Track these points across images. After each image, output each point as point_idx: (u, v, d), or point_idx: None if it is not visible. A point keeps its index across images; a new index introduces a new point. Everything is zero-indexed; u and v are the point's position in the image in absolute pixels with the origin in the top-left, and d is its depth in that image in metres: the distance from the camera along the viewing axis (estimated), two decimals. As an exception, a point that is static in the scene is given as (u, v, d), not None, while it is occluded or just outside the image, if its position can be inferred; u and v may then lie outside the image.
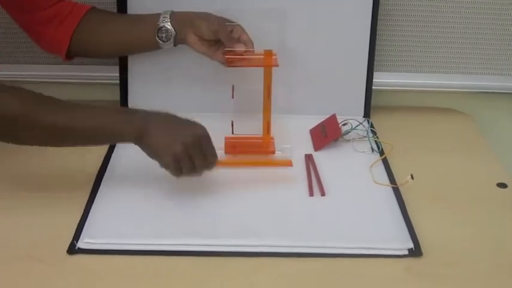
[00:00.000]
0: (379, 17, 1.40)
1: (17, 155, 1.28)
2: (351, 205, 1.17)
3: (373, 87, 1.45)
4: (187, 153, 1.09)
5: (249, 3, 1.35)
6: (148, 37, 1.30)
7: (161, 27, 1.28)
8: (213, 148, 1.14)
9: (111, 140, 1.21)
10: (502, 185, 1.25)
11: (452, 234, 1.11)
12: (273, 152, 1.29)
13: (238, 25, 1.28)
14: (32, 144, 1.10)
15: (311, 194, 1.19)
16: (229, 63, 1.23)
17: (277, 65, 1.23)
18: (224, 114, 1.30)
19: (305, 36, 1.40)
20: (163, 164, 1.11)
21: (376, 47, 1.42)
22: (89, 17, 1.30)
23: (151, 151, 1.10)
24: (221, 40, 1.25)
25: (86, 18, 1.30)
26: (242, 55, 1.24)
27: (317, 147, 1.33)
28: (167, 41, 1.29)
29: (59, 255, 1.04)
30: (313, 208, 1.16)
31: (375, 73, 1.44)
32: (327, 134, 1.34)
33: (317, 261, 1.04)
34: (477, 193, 1.23)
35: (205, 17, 1.27)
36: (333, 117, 1.36)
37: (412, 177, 1.22)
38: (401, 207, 1.16)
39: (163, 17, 1.28)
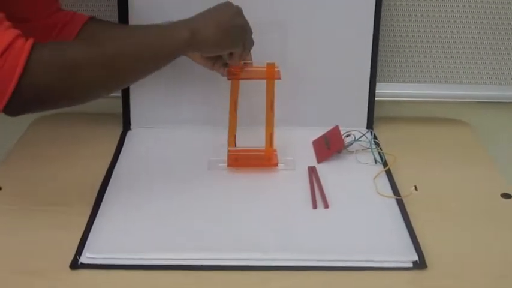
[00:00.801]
0: (380, 28, 1.40)
1: (18, 169, 1.29)
2: (355, 217, 1.16)
3: (375, 98, 1.44)
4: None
5: (251, 16, 1.35)
6: None
7: None
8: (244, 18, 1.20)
9: (166, 57, 1.13)
10: (506, 196, 1.24)
11: (457, 246, 1.10)
12: (276, 165, 1.29)
13: None
14: (93, 88, 1.07)
15: (314, 206, 1.18)
16: (231, 76, 1.23)
17: (279, 78, 1.23)
18: (226, 127, 1.30)
19: (307, 48, 1.39)
20: (233, 44, 1.17)
21: (379, 58, 1.42)
22: (89, 26, 1.29)
23: (212, 41, 1.13)
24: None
25: (85, 28, 1.28)
26: (244, 68, 1.24)
27: (320, 159, 1.33)
28: None
29: (62, 270, 1.03)
30: (316, 220, 1.15)
31: (377, 84, 1.44)
32: (330, 146, 1.34)
33: (321, 275, 1.04)
34: (481, 204, 1.22)
35: (209, 19, 1.25)
36: (335, 129, 1.35)
37: (416, 188, 1.22)
38: (405, 219, 1.15)
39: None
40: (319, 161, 1.32)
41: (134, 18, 1.37)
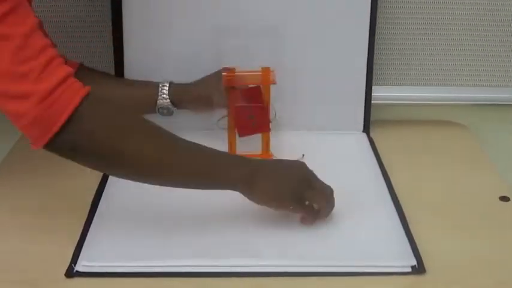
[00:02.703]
0: (376, 31, 1.39)
1: (13, 176, 1.28)
2: (352, 222, 1.15)
3: (372, 102, 1.44)
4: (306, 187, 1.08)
5: (246, 21, 1.35)
6: (147, 107, 1.32)
7: (162, 105, 1.30)
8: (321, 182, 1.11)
9: (214, 183, 1.09)
10: (505, 199, 1.24)
11: (455, 250, 1.10)
12: (273, 169, 1.28)
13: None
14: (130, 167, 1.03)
15: None
16: (227, 82, 1.22)
17: (275, 83, 1.22)
18: (222, 131, 1.29)
19: (302, 52, 1.39)
20: (284, 207, 1.09)
21: (375, 61, 1.42)
22: (78, 75, 1.29)
23: (266, 195, 1.07)
24: None
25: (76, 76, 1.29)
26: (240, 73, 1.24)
27: (242, 132, 1.28)
28: (168, 115, 1.32)
29: (57, 279, 1.02)
30: (313, 226, 1.14)
31: (373, 87, 1.43)
32: (255, 123, 1.28)
33: (318, 280, 1.03)
34: (480, 207, 1.22)
35: (206, 97, 1.28)
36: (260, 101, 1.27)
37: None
38: (403, 223, 1.15)
39: (162, 92, 1.30)
40: (241, 135, 1.28)
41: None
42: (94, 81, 1.30)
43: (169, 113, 1.32)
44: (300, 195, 1.08)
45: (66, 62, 1.28)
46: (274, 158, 1.10)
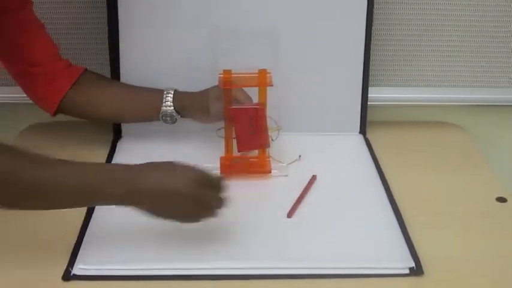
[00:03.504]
0: (372, 32, 1.39)
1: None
2: (349, 223, 1.15)
3: (368, 103, 1.44)
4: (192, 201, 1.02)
5: (243, 24, 1.34)
6: (151, 114, 1.32)
7: (166, 112, 1.30)
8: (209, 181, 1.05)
9: (93, 202, 1.07)
10: (502, 199, 1.24)
11: (453, 251, 1.10)
12: (269, 172, 1.28)
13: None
14: (11, 206, 1.00)
15: (289, 215, 1.17)
16: (224, 84, 1.22)
17: (271, 85, 1.22)
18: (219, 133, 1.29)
19: (299, 54, 1.39)
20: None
21: (371, 62, 1.41)
22: (83, 80, 1.31)
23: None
24: None
25: (80, 81, 1.30)
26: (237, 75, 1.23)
27: (241, 148, 1.26)
28: (171, 123, 1.32)
29: (54, 282, 1.02)
30: (311, 227, 1.14)
31: (369, 88, 1.43)
32: (254, 134, 1.26)
33: (315, 282, 1.02)
34: (477, 208, 1.22)
35: (207, 107, 1.27)
36: (262, 117, 1.24)
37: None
38: (400, 224, 1.14)
39: (166, 100, 1.30)
40: (239, 150, 1.27)
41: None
42: (99, 86, 1.32)
43: (173, 120, 1.32)
44: (192, 215, 1.04)
45: (70, 66, 1.29)
46: (155, 173, 1.02)
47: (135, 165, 1.03)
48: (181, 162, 1.04)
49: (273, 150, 1.30)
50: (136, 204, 1.01)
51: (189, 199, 1.01)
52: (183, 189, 1.00)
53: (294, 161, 1.32)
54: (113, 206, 1.10)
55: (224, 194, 1.04)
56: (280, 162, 1.31)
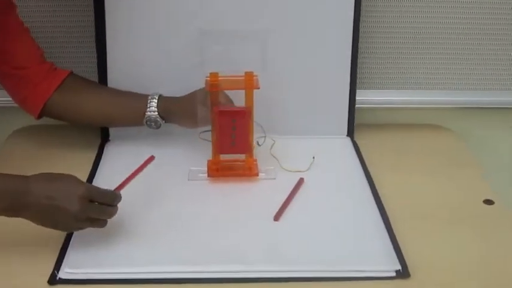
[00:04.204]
0: (360, 35, 1.39)
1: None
2: (336, 226, 1.15)
3: (356, 106, 1.44)
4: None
5: (231, 25, 1.35)
6: (136, 119, 1.32)
7: (150, 117, 1.31)
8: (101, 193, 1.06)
9: None
10: (489, 202, 1.24)
11: (439, 254, 1.10)
12: (257, 174, 1.28)
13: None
14: None
15: (276, 218, 1.17)
16: (211, 87, 1.22)
17: (258, 87, 1.22)
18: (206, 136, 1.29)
19: (286, 57, 1.39)
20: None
21: (358, 65, 1.41)
22: (68, 84, 1.31)
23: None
24: None
25: (65, 85, 1.30)
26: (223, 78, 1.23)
27: (221, 151, 1.28)
28: (156, 128, 1.32)
29: (40, 286, 1.01)
30: (297, 230, 1.14)
31: (357, 91, 1.43)
32: (235, 143, 1.26)
33: (302, 285, 1.02)
34: (464, 211, 1.22)
35: (192, 112, 1.27)
36: (245, 120, 1.24)
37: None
38: (387, 227, 1.15)
39: (151, 105, 1.30)
40: (219, 153, 1.28)
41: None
42: (84, 90, 1.32)
43: (157, 126, 1.32)
44: (72, 226, 1.06)
45: (55, 70, 1.29)
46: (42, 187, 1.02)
47: (24, 177, 1.03)
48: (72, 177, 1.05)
49: (259, 153, 1.30)
50: (18, 215, 1.02)
51: (70, 214, 1.01)
52: (63, 204, 1.01)
53: (310, 164, 1.32)
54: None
55: (110, 206, 1.05)
56: (300, 170, 1.31)
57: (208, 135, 1.28)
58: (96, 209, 1.04)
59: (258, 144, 1.30)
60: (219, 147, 1.26)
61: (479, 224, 1.18)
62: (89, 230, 1.09)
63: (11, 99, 1.34)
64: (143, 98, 1.31)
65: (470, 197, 1.26)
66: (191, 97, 1.29)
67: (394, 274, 1.04)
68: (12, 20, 1.26)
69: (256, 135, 1.29)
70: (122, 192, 1.09)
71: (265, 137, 1.31)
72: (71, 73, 1.33)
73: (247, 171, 1.28)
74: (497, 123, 1.58)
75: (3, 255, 1.08)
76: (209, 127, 1.26)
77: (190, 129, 1.31)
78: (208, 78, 1.22)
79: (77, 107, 1.32)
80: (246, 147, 1.27)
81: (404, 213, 1.19)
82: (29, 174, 1.11)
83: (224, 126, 1.24)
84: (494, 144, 1.58)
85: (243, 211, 1.20)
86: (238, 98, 1.26)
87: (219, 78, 1.22)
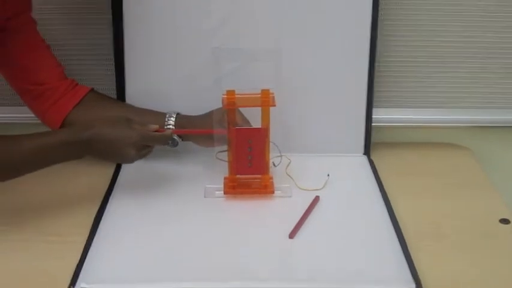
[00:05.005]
0: (377, 54, 1.40)
1: (13, 194, 1.28)
2: (351, 244, 1.15)
3: (372, 124, 1.44)
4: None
5: (247, 43, 1.36)
6: None
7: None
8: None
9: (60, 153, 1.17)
10: (505, 221, 1.23)
11: (455, 274, 1.09)
12: (272, 192, 1.28)
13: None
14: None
15: (291, 236, 1.17)
16: (227, 105, 1.23)
17: (274, 105, 1.22)
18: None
19: (303, 75, 1.39)
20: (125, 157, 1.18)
21: (375, 83, 1.42)
22: (88, 100, 1.33)
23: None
24: None
25: (84, 101, 1.32)
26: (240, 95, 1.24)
27: (237, 172, 1.29)
28: (173, 146, 1.32)
29: (56, 301, 1.02)
30: (312, 248, 1.14)
31: (374, 109, 1.43)
32: (252, 163, 1.27)
33: (317, 303, 1.03)
34: (480, 230, 1.21)
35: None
36: (262, 142, 1.26)
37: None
38: (402, 246, 1.14)
39: (168, 123, 1.32)
40: (237, 173, 1.29)
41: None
42: (102, 107, 1.33)
43: (174, 144, 1.32)
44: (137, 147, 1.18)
45: (76, 86, 1.31)
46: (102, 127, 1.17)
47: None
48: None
49: (275, 170, 1.31)
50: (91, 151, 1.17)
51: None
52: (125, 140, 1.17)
53: (325, 182, 1.33)
54: (119, 223, 1.12)
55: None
56: (316, 189, 1.31)
57: (225, 156, 1.28)
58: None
59: (274, 165, 1.30)
60: (235, 168, 1.27)
61: (495, 243, 1.18)
62: (105, 244, 1.10)
63: (20, 115, 1.38)
64: (161, 116, 1.33)
65: (486, 216, 1.25)
66: (208, 116, 1.29)
67: (408, 293, 1.04)
68: (33, 36, 1.28)
69: (272, 155, 1.29)
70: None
71: (281, 156, 1.31)
72: (92, 90, 1.35)
73: (263, 189, 1.29)
74: (514, 142, 1.57)
75: (17, 269, 1.10)
76: (225, 147, 1.27)
77: (208, 147, 1.31)
78: (225, 96, 1.23)
79: None
80: (263, 168, 1.27)
81: (419, 232, 1.19)
82: (47, 184, 1.15)
83: (240, 145, 1.24)
84: (510, 163, 1.58)
85: (258, 228, 1.20)
86: (253, 118, 1.26)
87: (236, 96, 1.23)
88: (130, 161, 1.20)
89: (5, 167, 1.14)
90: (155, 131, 1.22)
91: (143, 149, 1.20)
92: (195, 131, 1.26)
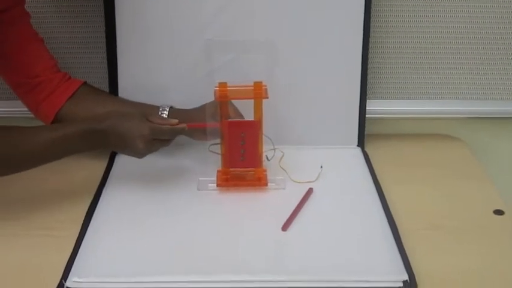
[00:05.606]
0: (370, 45, 1.39)
1: (6, 191, 1.28)
2: (344, 236, 1.15)
3: (366, 116, 1.44)
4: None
5: (240, 35, 1.35)
6: None
7: None
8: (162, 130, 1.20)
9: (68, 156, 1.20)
10: (499, 212, 1.24)
11: (448, 265, 1.09)
12: (266, 184, 1.28)
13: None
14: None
15: (284, 228, 1.17)
16: (220, 97, 1.22)
17: (267, 97, 1.22)
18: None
19: (296, 67, 1.39)
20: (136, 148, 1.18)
21: (368, 75, 1.41)
22: (81, 94, 1.32)
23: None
24: None
25: (77, 95, 1.32)
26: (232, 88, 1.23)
27: (230, 165, 1.28)
28: None
29: (48, 295, 1.02)
30: (305, 240, 1.14)
31: (367, 101, 1.43)
32: (244, 157, 1.27)
33: (310, 295, 1.02)
34: (474, 221, 1.21)
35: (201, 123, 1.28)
36: (254, 134, 1.25)
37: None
38: (395, 237, 1.14)
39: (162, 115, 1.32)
40: (230, 166, 1.29)
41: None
42: (95, 101, 1.33)
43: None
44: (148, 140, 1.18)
45: (69, 79, 1.31)
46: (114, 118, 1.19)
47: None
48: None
49: (269, 163, 1.31)
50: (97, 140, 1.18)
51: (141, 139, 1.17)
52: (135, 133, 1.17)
53: (319, 174, 1.32)
54: (111, 217, 1.12)
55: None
56: (309, 181, 1.30)
57: (218, 148, 1.28)
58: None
59: (267, 158, 1.30)
60: (228, 161, 1.27)
61: (488, 234, 1.18)
62: (98, 238, 1.10)
63: (16, 109, 1.37)
64: (154, 109, 1.32)
65: (479, 207, 1.25)
66: (201, 110, 1.29)
67: (401, 285, 1.03)
68: (26, 29, 1.28)
69: (266, 147, 1.28)
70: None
71: (274, 149, 1.31)
72: (84, 83, 1.34)
73: (256, 182, 1.29)
74: (507, 133, 1.57)
75: (9, 263, 1.10)
76: (218, 140, 1.27)
77: (202, 141, 1.31)
78: (217, 88, 1.23)
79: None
80: (256, 161, 1.27)
81: (413, 224, 1.19)
82: (39, 178, 1.16)
83: (233, 138, 1.24)
84: (504, 154, 1.58)
85: (251, 221, 1.20)
86: (246, 111, 1.26)
87: (228, 88, 1.22)
88: (140, 154, 1.20)
89: (26, 157, 1.15)
90: (174, 125, 1.21)
91: (154, 143, 1.20)
92: (188, 124, 1.25)
